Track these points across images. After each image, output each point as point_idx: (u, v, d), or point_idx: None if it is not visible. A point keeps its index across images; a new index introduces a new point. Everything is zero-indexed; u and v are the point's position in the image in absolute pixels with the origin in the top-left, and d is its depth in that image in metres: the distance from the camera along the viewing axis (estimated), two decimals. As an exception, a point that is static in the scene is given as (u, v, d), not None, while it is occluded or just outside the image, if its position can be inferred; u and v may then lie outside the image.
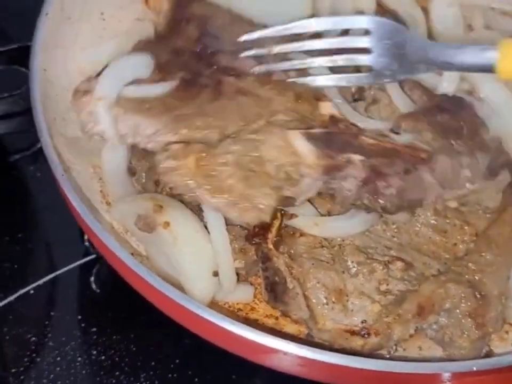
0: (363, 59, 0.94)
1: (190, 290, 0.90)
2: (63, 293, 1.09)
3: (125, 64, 0.98)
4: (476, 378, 0.81)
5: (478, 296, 0.90)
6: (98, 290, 1.09)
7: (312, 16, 1.19)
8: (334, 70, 0.97)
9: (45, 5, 1.03)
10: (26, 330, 1.04)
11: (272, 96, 0.96)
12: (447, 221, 0.95)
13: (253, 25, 1.03)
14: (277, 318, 0.96)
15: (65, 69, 1.05)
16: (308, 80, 0.97)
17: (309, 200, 0.94)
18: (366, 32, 0.94)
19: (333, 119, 0.94)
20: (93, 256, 1.11)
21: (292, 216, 0.93)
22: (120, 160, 1.01)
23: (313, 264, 0.90)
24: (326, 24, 0.97)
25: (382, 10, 1.22)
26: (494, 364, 0.80)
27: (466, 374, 0.80)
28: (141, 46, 1.03)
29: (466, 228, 0.95)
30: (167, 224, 0.90)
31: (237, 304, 0.97)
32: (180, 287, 0.89)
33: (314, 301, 0.89)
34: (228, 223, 0.92)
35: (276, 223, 0.92)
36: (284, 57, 0.98)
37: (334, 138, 0.92)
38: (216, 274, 0.91)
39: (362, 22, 0.94)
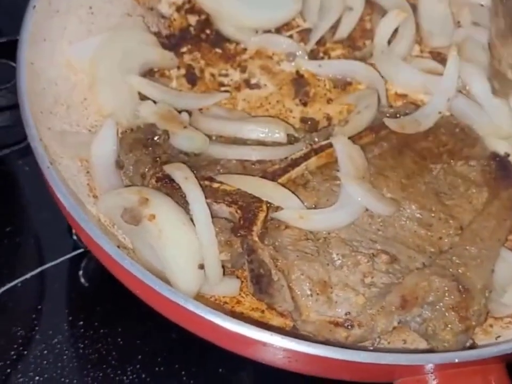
0: None
1: (175, 283, 0.90)
2: (51, 286, 1.09)
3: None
4: (458, 370, 0.82)
5: (462, 289, 0.90)
6: (86, 284, 1.09)
7: (300, 12, 1.21)
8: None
9: (33, -3, 1.03)
10: (13, 323, 1.05)
11: None
12: (432, 214, 0.96)
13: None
14: (262, 311, 0.96)
15: (53, 62, 1.05)
16: None
17: (294, 193, 0.94)
18: None
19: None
20: (81, 250, 1.11)
21: (278, 208, 0.93)
22: (109, 154, 1.01)
23: (297, 256, 0.90)
24: None
25: (371, 6, 1.23)
26: (476, 356, 0.81)
27: (449, 365, 0.81)
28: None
29: (451, 221, 0.96)
30: (152, 216, 0.90)
31: (223, 297, 0.97)
32: (166, 280, 0.89)
33: (298, 292, 0.89)
34: (214, 215, 0.92)
35: (262, 216, 0.93)
36: None
37: None
38: (202, 267, 0.91)
39: None
